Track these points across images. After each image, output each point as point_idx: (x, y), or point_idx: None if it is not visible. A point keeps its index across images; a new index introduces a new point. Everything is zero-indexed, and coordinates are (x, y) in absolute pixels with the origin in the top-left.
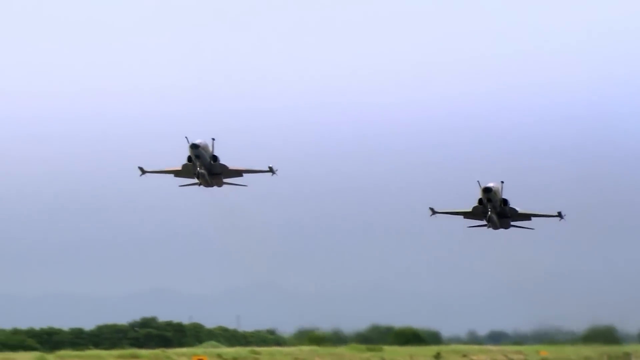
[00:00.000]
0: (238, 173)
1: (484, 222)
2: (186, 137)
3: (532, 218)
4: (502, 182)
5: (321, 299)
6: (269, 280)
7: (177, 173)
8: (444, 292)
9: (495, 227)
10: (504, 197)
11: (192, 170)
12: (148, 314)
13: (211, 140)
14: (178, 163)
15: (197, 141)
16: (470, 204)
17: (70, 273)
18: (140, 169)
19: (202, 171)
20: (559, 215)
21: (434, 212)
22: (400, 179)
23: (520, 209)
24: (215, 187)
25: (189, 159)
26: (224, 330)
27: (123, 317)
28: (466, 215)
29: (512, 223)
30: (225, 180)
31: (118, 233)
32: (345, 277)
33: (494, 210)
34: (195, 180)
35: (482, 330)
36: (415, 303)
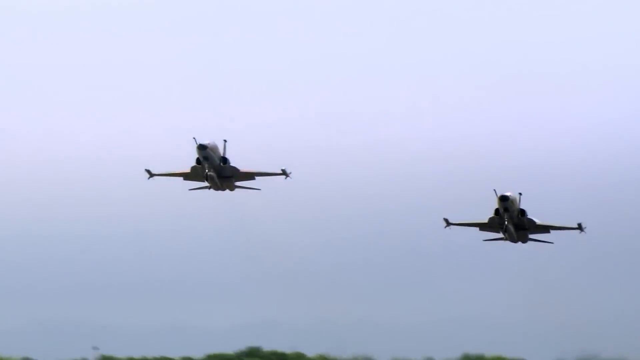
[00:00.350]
0: (250, 176)
1: (500, 235)
2: (194, 138)
3: (551, 231)
4: (520, 193)
5: (412, 329)
6: (361, 312)
7: (186, 176)
8: (532, 320)
9: (513, 240)
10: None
11: (201, 173)
12: (254, 343)
13: (223, 142)
14: (187, 166)
15: (206, 142)
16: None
17: (180, 305)
18: (148, 171)
19: (212, 174)
20: (579, 227)
21: (448, 223)
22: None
23: (538, 221)
24: (227, 191)
25: (198, 161)
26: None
27: (230, 346)
28: (482, 227)
29: (530, 236)
30: (237, 183)
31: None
32: (432, 307)
33: (510, 221)
34: (206, 184)
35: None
36: (505, 332)
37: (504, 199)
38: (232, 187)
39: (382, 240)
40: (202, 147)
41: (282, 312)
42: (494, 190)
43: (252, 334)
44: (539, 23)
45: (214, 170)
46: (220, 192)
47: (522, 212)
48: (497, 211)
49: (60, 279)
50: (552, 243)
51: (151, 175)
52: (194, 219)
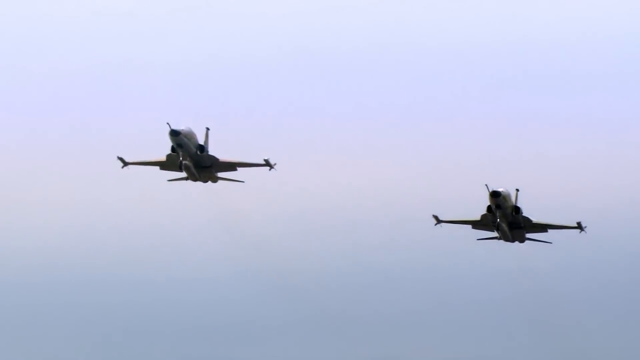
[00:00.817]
0: (231, 166)
1: (495, 234)
2: (168, 124)
3: (549, 230)
4: (518, 190)
5: None
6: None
7: (162, 165)
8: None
9: (507, 239)
10: (517, 205)
11: (177, 162)
12: None
13: (205, 129)
14: (163, 154)
15: (180, 128)
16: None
17: None
18: (121, 159)
19: (187, 163)
20: (579, 226)
21: (438, 220)
22: None
23: (534, 219)
24: (209, 183)
25: (173, 148)
26: None
27: None
28: (474, 225)
29: (528, 236)
30: (218, 174)
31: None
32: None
33: (504, 218)
34: (183, 174)
35: None
36: None
37: (495, 195)
38: (215, 179)
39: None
40: (174, 133)
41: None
42: (486, 185)
43: None
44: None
45: (190, 159)
46: (201, 183)
47: (517, 210)
48: (489, 208)
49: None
50: (550, 243)
51: (125, 163)
52: (175, 212)
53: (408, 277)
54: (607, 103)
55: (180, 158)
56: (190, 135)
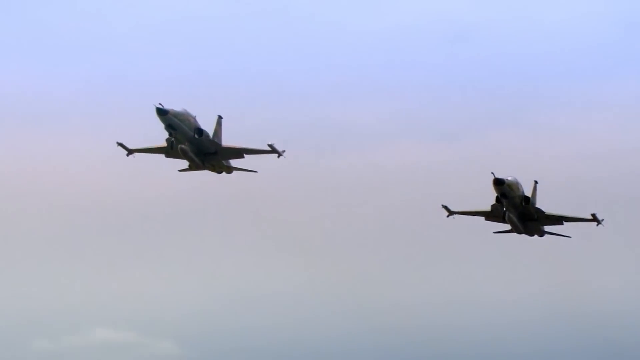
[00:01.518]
0: (237, 153)
1: (508, 226)
2: (160, 105)
3: (565, 223)
4: (536, 182)
5: None
6: None
7: (166, 152)
8: None
9: (518, 231)
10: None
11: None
12: None
13: (217, 117)
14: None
15: (168, 107)
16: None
17: None
18: (122, 146)
19: (184, 147)
20: (595, 219)
21: (450, 212)
22: None
23: (547, 210)
24: (224, 174)
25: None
26: None
27: None
28: (487, 216)
29: (546, 229)
30: (230, 164)
31: None
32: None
33: (513, 209)
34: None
35: None
36: None
37: (498, 182)
38: (229, 169)
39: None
40: (161, 112)
41: None
42: (492, 173)
43: None
44: None
45: (189, 143)
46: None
47: (527, 200)
48: (497, 198)
49: None
50: (569, 237)
51: (129, 152)
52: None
53: None
54: None
55: (173, 140)
56: (182, 117)
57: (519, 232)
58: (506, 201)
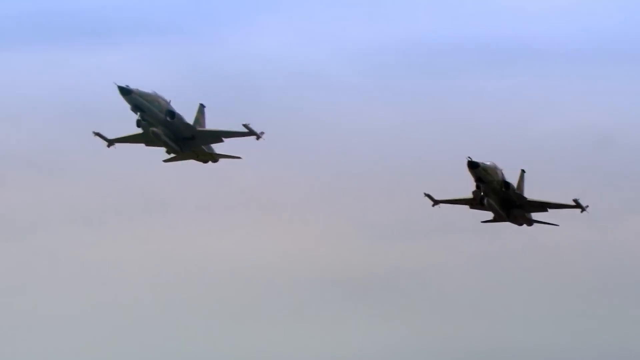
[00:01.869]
0: (216, 137)
1: (492, 215)
2: (127, 87)
3: (549, 210)
4: (524, 171)
5: None
6: None
7: (145, 141)
8: None
9: (502, 219)
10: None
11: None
12: None
13: (199, 105)
14: None
15: (132, 86)
16: None
17: None
18: (100, 136)
19: (156, 130)
20: (579, 205)
21: (435, 201)
22: None
23: (529, 197)
24: (210, 163)
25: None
26: None
27: None
28: (471, 204)
29: (535, 218)
30: (207, 150)
31: None
32: None
33: (493, 194)
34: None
35: None
36: None
37: (472, 165)
38: (213, 156)
39: None
40: (124, 92)
41: None
42: (468, 157)
43: None
44: None
45: (162, 127)
46: (202, 164)
47: (506, 185)
48: (477, 185)
49: None
50: (557, 225)
51: (110, 142)
52: None
53: None
54: None
55: (144, 123)
56: (151, 97)
57: (503, 220)
58: (484, 186)
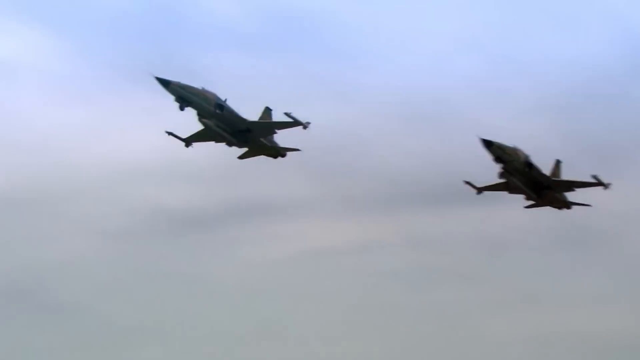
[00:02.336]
0: (269, 128)
1: (529, 197)
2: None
3: (575, 189)
4: (560, 161)
5: None
6: None
7: (209, 136)
8: None
9: (538, 202)
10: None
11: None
12: None
13: (265, 108)
14: None
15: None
16: None
17: None
18: (173, 135)
19: (207, 121)
20: (600, 182)
21: (479, 190)
22: None
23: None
24: (279, 159)
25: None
26: None
27: None
28: (510, 190)
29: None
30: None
31: None
32: None
33: (518, 175)
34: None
35: None
36: None
37: (487, 144)
38: (279, 150)
39: None
40: (163, 82)
41: None
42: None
43: None
44: None
45: (213, 118)
46: (271, 159)
47: (529, 165)
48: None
49: None
50: (589, 206)
51: (188, 143)
52: None
53: None
54: None
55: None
56: (196, 90)
57: (541, 204)
58: (506, 166)
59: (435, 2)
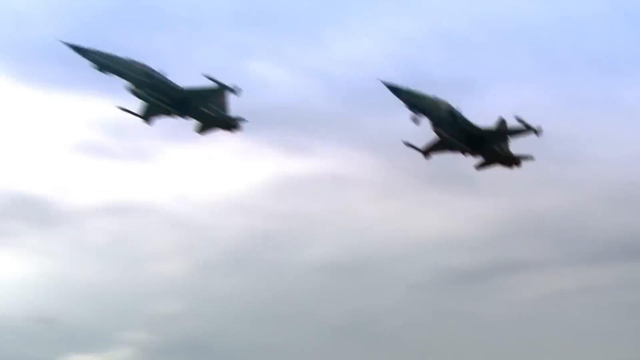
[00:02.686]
0: (204, 98)
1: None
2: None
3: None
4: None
5: None
6: None
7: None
8: None
9: (460, 149)
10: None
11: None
12: None
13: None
14: None
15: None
16: None
17: None
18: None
19: (139, 91)
20: (528, 126)
21: (424, 153)
22: None
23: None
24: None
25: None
26: None
27: None
28: (447, 146)
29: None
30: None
31: None
32: None
33: (448, 129)
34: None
35: None
36: None
37: (394, 90)
38: (230, 121)
39: None
40: (77, 49)
41: None
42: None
43: None
44: None
45: (149, 89)
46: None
47: (453, 115)
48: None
49: None
50: (533, 159)
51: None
52: None
53: None
54: None
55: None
56: (119, 60)
57: (465, 152)
58: (430, 118)
59: None
